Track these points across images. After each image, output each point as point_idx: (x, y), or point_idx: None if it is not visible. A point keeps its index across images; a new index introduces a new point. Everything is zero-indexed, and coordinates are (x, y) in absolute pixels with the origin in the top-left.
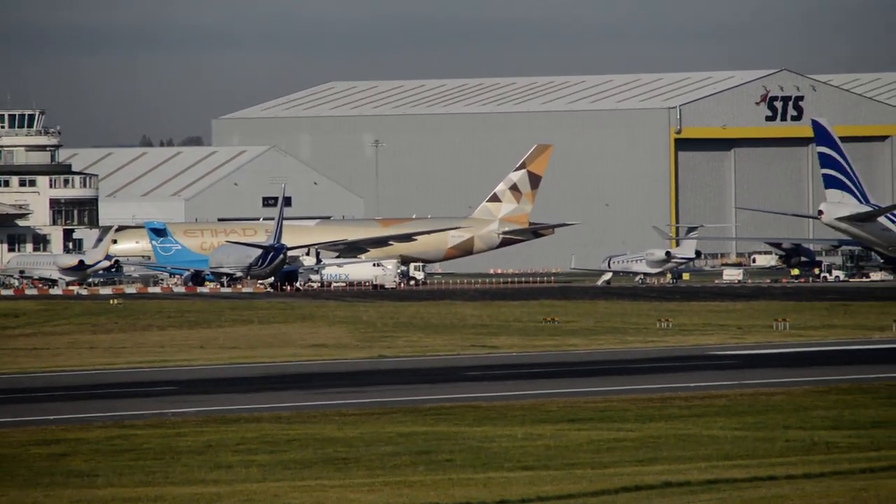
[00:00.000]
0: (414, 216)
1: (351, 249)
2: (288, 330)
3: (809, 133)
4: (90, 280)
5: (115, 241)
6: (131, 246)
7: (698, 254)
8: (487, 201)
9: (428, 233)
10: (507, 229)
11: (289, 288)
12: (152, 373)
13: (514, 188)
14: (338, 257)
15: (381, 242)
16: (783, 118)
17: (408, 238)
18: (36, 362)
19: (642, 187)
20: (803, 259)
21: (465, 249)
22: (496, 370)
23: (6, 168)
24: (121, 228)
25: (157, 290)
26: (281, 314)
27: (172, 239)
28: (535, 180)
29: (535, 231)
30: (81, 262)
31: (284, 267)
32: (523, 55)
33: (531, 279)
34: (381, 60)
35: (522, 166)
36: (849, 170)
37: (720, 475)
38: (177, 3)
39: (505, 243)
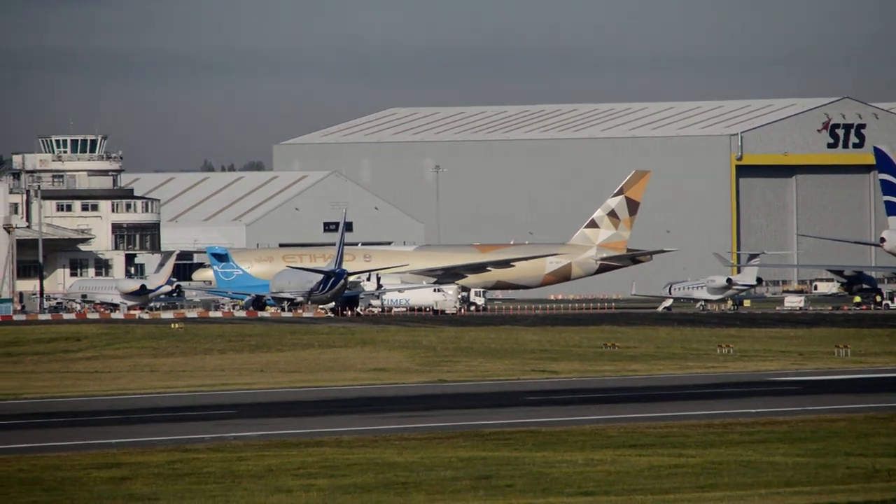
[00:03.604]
0: (512, 242)
1: (448, 275)
2: (348, 354)
3: (871, 160)
4: (152, 304)
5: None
6: None
7: (760, 281)
8: (585, 227)
9: (526, 259)
10: (604, 255)
11: (349, 313)
12: (213, 396)
13: (612, 214)
14: (436, 282)
15: (480, 268)
16: (845, 145)
17: (506, 264)
18: (97, 386)
19: (703, 214)
20: (865, 286)
21: (563, 276)
22: (556, 395)
23: (69, 193)
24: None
25: (218, 314)
26: (341, 339)
27: (234, 264)
28: (633, 206)
29: (633, 257)
30: (143, 286)
31: (345, 292)
32: (585, 82)
33: (591, 305)
34: (442, 87)
35: (620, 192)
36: None
37: (781, 502)
38: (238, 29)
39: (603, 269)
